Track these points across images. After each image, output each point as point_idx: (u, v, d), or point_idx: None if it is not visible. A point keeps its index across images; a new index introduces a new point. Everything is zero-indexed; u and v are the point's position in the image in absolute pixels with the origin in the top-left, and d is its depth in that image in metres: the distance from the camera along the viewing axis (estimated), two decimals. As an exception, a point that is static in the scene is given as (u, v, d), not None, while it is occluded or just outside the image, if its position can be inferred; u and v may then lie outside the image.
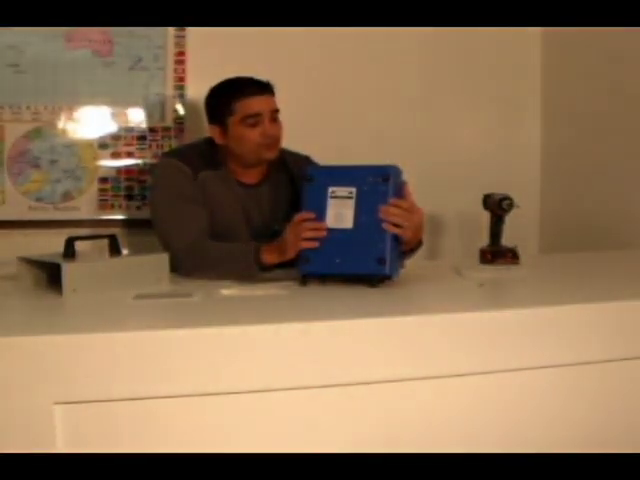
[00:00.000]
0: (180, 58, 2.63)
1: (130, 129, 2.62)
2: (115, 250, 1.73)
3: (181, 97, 2.64)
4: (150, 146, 2.64)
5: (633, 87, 2.49)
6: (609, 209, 2.64)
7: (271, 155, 1.98)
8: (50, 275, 1.66)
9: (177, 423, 1.23)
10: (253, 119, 1.93)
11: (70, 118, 2.56)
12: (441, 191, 2.81)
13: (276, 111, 1.97)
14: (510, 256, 2.01)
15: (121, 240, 1.78)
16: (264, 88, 1.96)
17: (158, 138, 2.64)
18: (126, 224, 2.62)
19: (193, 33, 2.61)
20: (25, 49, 2.50)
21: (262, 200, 2.03)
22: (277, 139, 1.98)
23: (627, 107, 2.54)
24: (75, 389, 1.17)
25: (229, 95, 1.96)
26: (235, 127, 1.95)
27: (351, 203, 1.62)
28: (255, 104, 1.94)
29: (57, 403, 1.16)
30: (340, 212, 1.62)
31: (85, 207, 2.60)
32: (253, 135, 1.94)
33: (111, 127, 2.60)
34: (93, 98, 2.57)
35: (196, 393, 1.22)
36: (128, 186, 2.63)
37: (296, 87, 2.65)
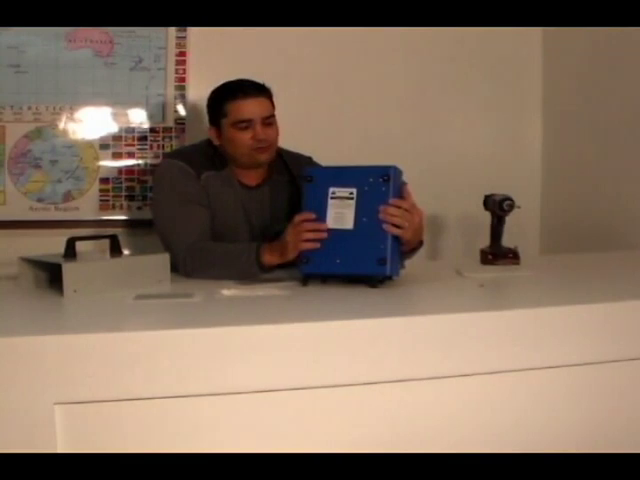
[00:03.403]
0: (181, 58, 2.64)
1: (131, 129, 2.62)
2: (116, 250, 1.74)
3: (182, 97, 2.64)
4: (151, 146, 2.64)
5: (634, 87, 2.49)
6: (610, 210, 2.64)
7: (264, 158, 1.97)
8: (51, 275, 1.66)
9: (177, 423, 1.23)
10: (244, 123, 1.93)
11: (71, 118, 2.57)
12: (442, 192, 2.81)
13: (270, 116, 1.96)
14: (511, 257, 2.01)
15: (122, 240, 1.78)
16: (256, 91, 1.95)
17: (159, 138, 2.64)
18: (127, 224, 2.62)
19: (194, 33, 2.61)
20: (26, 49, 2.50)
21: (263, 201, 2.03)
22: (270, 142, 1.96)
23: (628, 107, 2.54)
24: (75, 389, 1.17)
25: (223, 97, 1.97)
26: (228, 129, 1.96)
27: (351, 204, 1.62)
28: (245, 109, 1.93)
29: (57, 403, 1.16)
30: (340, 213, 1.62)
31: (86, 207, 2.60)
32: (245, 138, 1.93)
33: (112, 127, 2.61)
34: (94, 98, 2.57)
35: (196, 393, 1.22)
36: (129, 186, 2.63)
37: (296, 87, 2.66)
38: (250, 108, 1.93)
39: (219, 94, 1.99)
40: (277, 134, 1.99)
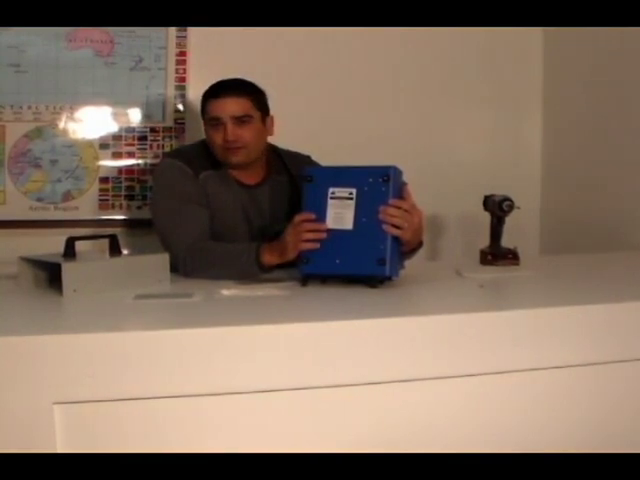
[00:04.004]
0: (181, 58, 2.64)
1: (131, 129, 2.62)
2: (115, 250, 1.74)
3: (182, 97, 2.64)
4: (151, 146, 2.64)
5: (635, 87, 2.49)
6: (609, 210, 2.64)
7: (236, 160, 1.95)
8: (50, 275, 1.66)
9: (177, 423, 1.23)
10: (214, 121, 1.94)
11: (71, 118, 2.57)
12: (442, 192, 2.81)
13: (243, 116, 1.93)
14: (510, 257, 2.01)
15: (121, 240, 1.78)
16: (231, 90, 1.94)
17: (159, 138, 2.64)
18: (127, 224, 2.62)
19: (194, 33, 2.61)
20: (26, 49, 2.50)
21: (261, 201, 2.03)
22: (243, 144, 1.93)
23: (628, 108, 2.54)
24: (75, 389, 1.17)
25: (204, 96, 1.99)
26: (206, 127, 1.98)
27: (351, 204, 1.62)
28: (215, 106, 1.94)
29: (57, 403, 1.16)
30: (340, 213, 1.62)
31: (86, 207, 2.60)
32: (217, 137, 1.94)
33: (112, 127, 2.61)
34: (94, 98, 2.57)
35: (196, 393, 1.22)
36: (129, 186, 2.63)
37: (296, 87, 2.66)
38: (220, 106, 1.93)
39: (203, 94, 2.01)
40: (255, 136, 1.96)
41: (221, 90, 1.95)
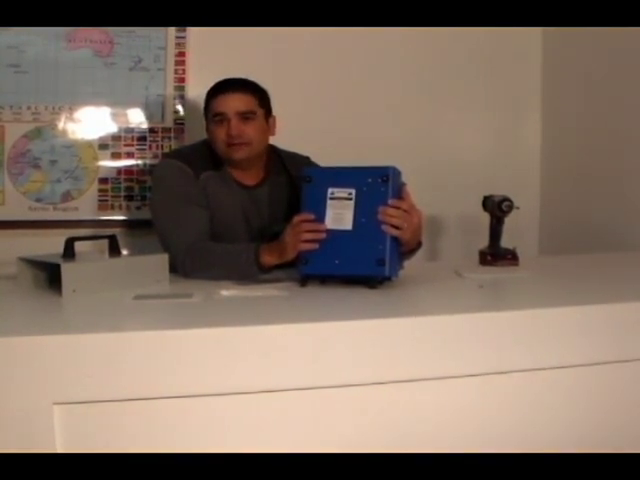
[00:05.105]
0: (180, 59, 2.64)
1: (130, 129, 2.62)
2: (115, 250, 1.74)
3: (181, 98, 2.64)
4: (150, 147, 2.64)
5: (634, 88, 2.50)
6: (609, 211, 2.64)
7: (238, 156, 1.95)
8: (50, 275, 1.66)
9: (177, 423, 1.23)
10: (219, 117, 1.95)
11: (70, 118, 2.57)
12: (441, 192, 2.81)
13: (247, 112, 1.95)
14: (509, 257, 2.01)
15: (121, 241, 1.78)
16: (235, 87, 1.96)
17: (158, 139, 2.64)
18: (126, 224, 2.62)
19: (194, 33, 2.61)
20: (26, 49, 2.50)
21: (261, 201, 2.03)
22: (246, 140, 1.94)
23: (628, 108, 2.54)
24: (75, 389, 1.17)
25: (208, 93, 2.01)
26: (209, 124, 1.99)
27: (350, 204, 1.62)
28: (219, 102, 1.95)
29: (57, 403, 1.16)
30: (339, 213, 1.62)
31: (85, 207, 2.60)
32: (220, 133, 1.95)
33: (111, 127, 2.61)
34: (93, 98, 2.58)
35: (196, 393, 1.22)
36: (128, 187, 2.64)
37: (295, 87, 2.66)
38: (225, 102, 1.95)
39: (208, 92, 2.02)
40: (259, 133, 1.97)
41: (226, 87, 1.97)
